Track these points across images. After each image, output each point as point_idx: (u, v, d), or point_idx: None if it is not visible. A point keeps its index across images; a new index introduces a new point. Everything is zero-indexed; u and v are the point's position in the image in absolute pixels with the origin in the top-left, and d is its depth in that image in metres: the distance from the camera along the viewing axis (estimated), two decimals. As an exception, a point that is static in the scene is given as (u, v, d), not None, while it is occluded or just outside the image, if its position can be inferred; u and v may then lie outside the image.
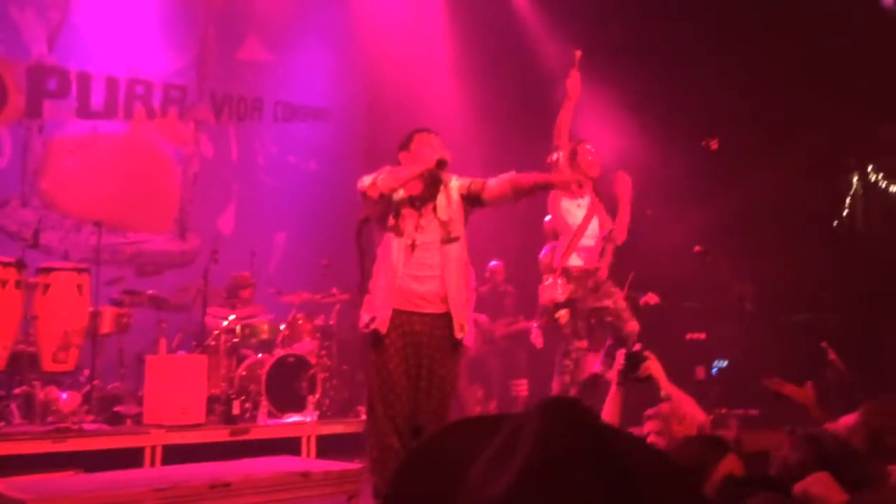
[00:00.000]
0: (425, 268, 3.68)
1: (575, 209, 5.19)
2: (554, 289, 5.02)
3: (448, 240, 3.72)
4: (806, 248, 7.39)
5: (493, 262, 7.80)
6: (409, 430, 3.53)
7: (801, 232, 7.28)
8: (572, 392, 4.90)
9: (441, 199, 3.76)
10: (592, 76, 8.37)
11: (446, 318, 3.74)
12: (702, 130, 7.59)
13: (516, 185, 3.79)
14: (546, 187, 4.28)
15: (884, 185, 8.57)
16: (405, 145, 3.90)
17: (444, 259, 3.70)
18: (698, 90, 7.85)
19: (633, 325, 5.13)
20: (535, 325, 5.59)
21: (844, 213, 8.70)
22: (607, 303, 5.14)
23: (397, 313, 3.63)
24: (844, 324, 7.07)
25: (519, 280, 7.51)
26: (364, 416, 4.15)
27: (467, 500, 0.74)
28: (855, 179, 8.70)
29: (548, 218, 5.37)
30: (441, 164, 3.66)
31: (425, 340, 3.65)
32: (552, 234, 5.28)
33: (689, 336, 7.27)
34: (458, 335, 3.72)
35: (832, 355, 6.82)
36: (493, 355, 7.61)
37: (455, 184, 3.81)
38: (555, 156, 5.00)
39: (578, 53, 5.12)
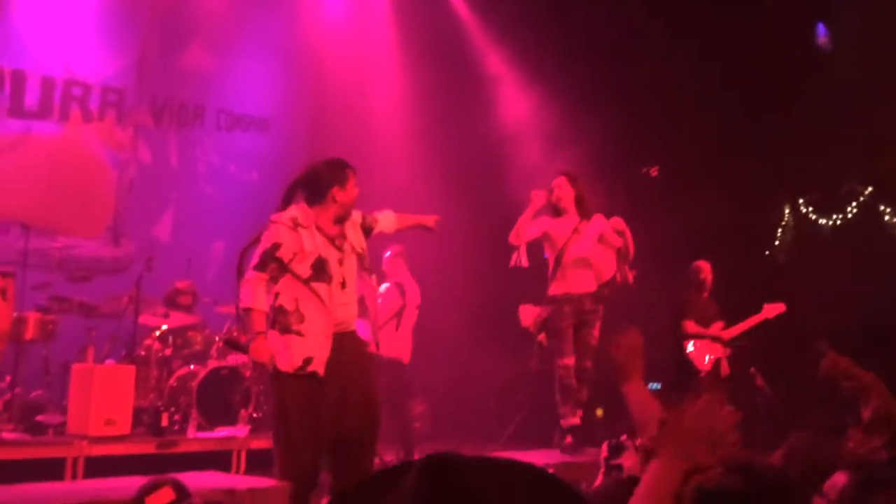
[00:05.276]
0: (350, 296, 3.97)
1: None
2: None
3: (365, 269, 4.09)
4: (739, 275, 7.58)
5: None
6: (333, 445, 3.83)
7: (734, 260, 7.47)
8: None
9: (350, 231, 4.05)
10: (532, 101, 8.55)
11: (356, 333, 4.08)
12: (641, 159, 7.76)
13: (400, 224, 4.43)
14: (424, 228, 4.71)
15: (814, 218, 8.87)
16: (342, 181, 3.97)
17: (363, 286, 4.09)
18: (638, 120, 8.02)
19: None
20: None
21: (776, 243, 8.98)
22: None
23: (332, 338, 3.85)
24: (774, 350, 7.26)
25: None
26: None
27: None
28: (787, 211, 8.98)
29: None
30: None
31: (345, 358, 3.86)
32: None
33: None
34: (375, 350, 4.20)
35: (760, 381, 7.00)
36: None
37: (354, 216, 4.14)
38: None
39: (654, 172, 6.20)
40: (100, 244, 7.93)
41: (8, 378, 5.82)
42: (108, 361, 6.28)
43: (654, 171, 8.65)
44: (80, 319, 6.38)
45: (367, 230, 4.21)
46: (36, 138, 7.60)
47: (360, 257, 4.05)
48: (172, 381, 6.27)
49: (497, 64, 8.92)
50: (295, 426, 3.78)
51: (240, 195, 8.60)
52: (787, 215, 8.95)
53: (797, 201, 8.89)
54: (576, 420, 5.33)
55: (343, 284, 3.89)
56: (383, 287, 6.71)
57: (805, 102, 7.89)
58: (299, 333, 3.74)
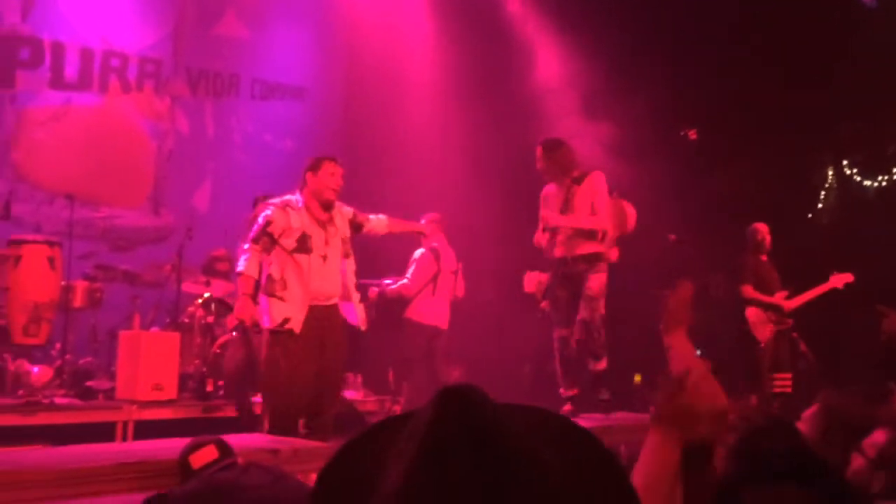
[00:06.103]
0: (332, 273, 4.63)
1: None
2: None
3: (347, 255, 4.73)
4: (781, 238, 7.46)
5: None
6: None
7: (776, 222, 7.34)
8: None
9: (337, 219, 4.71)
10: (570, 66, 8.43)
11: (337, 308, 4.71)
12: (681, 125, 7.63)
13: (391, 229, 5.06)
14: (419, 234, 5.64)
15: (858, 180, 8.67)
16: (315, 168, 4.63)
17: (344, 267, 4.71)
18: (679, 82, 7.87)
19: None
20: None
21: (819, 206, 8.80)
22: None
23: (311, 309, 4.50)
24: (817, 313, 7.15)
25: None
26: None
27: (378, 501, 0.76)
28: (830, 173, 8.79)
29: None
30: None
31: (326, 325, 4.58)
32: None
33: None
34: (362, 326, 4.81)
35: (802, 346, 6.91)
36: None
37: (345, 210, 4.79)
38: None
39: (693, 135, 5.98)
40: (141, 214, 8.06)
41: (58, 345, 5.98)
42: (154, 328, 6.42)
43: (692, 134, 8.51)
44: (124, 288, 6.51)
45: (356, 226, 4.84)
46: (76, 110, 7.71)
47: (342, 242, 4.71)
48: (216, 348, 6.39)
49: (533, 29, 8.79)
50: (283, 373, 4.44)
51: (275, 164, 8.65)
52: (830, 177, 8.76)
53: (841, 163, 8.68)
54: (573, 391, 5.38)
55: (324, 258, 4.58)
56: (418, 253, 6.73)
57: (849, 61, 7.67)
58: (281, 299, 4.50)
